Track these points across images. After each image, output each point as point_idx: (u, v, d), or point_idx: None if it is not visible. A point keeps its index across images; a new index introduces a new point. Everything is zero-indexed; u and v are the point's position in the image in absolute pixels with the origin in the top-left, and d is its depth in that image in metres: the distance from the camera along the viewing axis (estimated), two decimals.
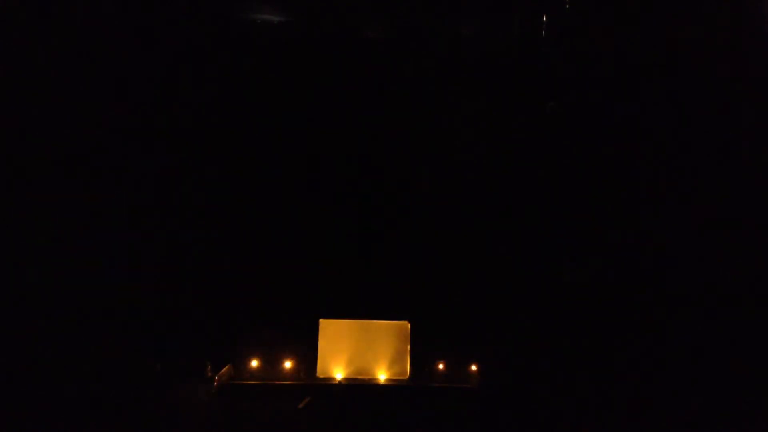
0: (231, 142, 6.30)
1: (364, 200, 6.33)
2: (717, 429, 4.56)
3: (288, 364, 4.96)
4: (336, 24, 6.17)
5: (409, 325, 5.03)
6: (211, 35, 6.03)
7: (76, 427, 4.25)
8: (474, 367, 5.01)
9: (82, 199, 6.19)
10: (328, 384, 4.88)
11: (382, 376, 4.95)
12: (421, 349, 5.02)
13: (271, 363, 4.99)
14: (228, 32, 6.08)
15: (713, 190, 5.95)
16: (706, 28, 5.83)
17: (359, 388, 4.88)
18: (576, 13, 6.26)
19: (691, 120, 6.00)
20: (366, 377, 4.96)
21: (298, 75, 6.24)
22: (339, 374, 4.93)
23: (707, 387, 5.03)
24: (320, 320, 5.01)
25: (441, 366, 5.00)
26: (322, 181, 6.36)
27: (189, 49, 6.02)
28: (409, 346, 4.98)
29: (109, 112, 6.06)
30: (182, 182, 6.21)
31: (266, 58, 6.16)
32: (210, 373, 4.71)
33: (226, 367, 4.86)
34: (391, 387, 4.90)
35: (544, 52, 6.35)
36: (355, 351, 5.00)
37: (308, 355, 5.00)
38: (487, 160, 6.46)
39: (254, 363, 4.95)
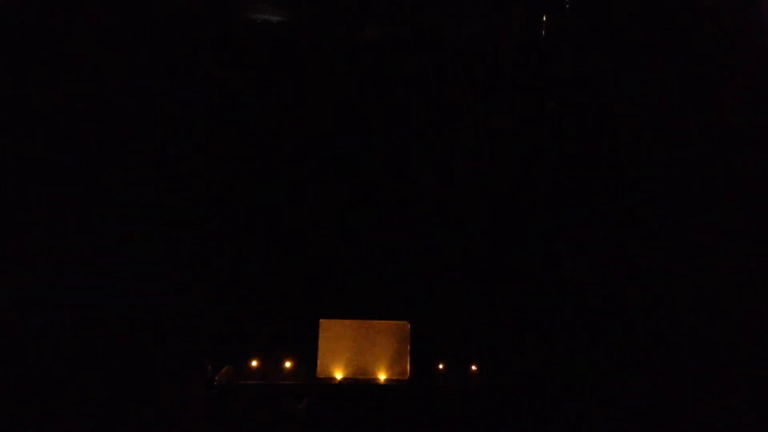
0: (230, 142, 6.30)
1: (363, 200, 6.33)
2: (717, 429, 4.56)
3: (288, 364, 4.96)
4: (336, 24, 6.18)
5: (409, 325, 5.03)
6: (211, 35, 6.03)
7: (76, 427, 4.25)
8: (474, 367, 5.01)
9: (82, 198, 6.20)
10: (328, 384, 4.88)
11: (382, 376, 4.95)
12: (421, 349, 5.01)
13: (271, 363, 4.99)
14: (228, 32, 6.08)
15: (714, 189, 5.95)
16: (705, 28, 5.82)
17: (359, 388, 4.88)
18: (576, 13, 6.26)
19: (692, 120, 6.00)
20: (366, 377, 4.96)
21: (297, 75, 6.24)
22: (339, 374, 4.93)
23: (708, 387, 5.02)
24: (320, 320, 5.01)
25: (441, 366, 5.00)
26: (322, 181, 6.36)
27: (188, 49, 6.02)
28: (409, 346, 4.99)
29: (106, 112, 6.06)
30: (182, 182, 6.21)
31: (266, 58, 6.17)
32: (210, 373, 4.71)
33: (226, 367, 4.86)
34: (391, 387, 4.90)
35: (544, 52, 6.35)
36: (355, 351, 5.00)
37: (308, 355, 5.00)
38: (486, 159, 6.46)
39: (254, 363, 4.96)
